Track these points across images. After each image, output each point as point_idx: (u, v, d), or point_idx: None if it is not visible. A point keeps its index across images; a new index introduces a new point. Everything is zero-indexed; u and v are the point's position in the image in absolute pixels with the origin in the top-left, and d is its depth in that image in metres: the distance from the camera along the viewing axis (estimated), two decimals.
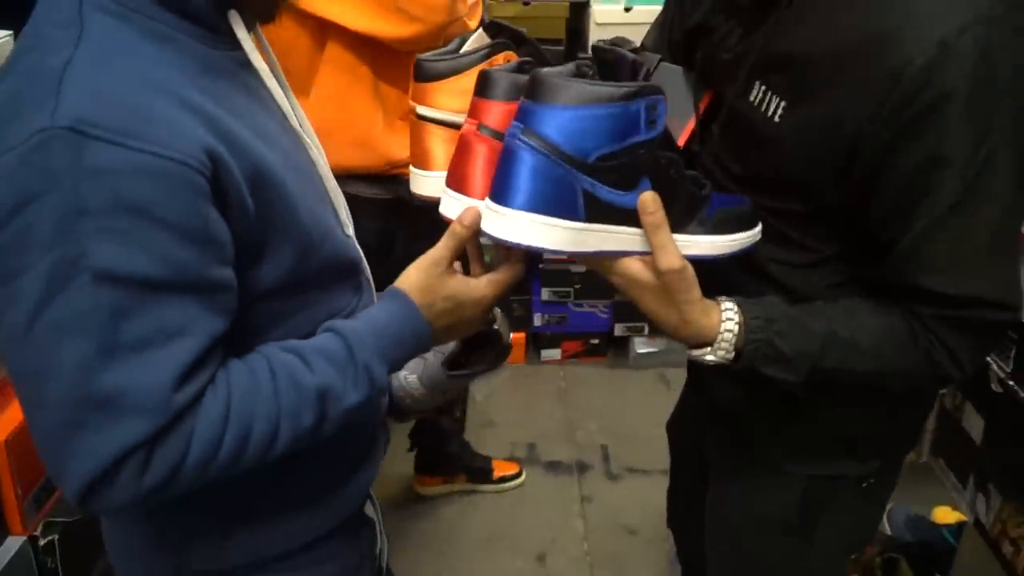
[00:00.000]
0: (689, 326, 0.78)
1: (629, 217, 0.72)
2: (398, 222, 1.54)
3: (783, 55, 0.81)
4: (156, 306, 0.61)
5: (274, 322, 0.75)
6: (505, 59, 0.82)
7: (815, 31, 0.79)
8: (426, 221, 0.90)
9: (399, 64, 1.42)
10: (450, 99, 0.81)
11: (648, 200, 0.72)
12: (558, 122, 0.66)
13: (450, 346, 0.93)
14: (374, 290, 0.88)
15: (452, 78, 0.81)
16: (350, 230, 0.85)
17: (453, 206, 0.76)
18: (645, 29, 2.56)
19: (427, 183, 0.84)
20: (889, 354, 0.82)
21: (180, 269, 0.61)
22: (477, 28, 0.85)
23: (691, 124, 0.93)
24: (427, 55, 0.83)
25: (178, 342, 0.62)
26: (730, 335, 0.79)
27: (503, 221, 0.69)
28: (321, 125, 1.51)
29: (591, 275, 2.51)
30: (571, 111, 0.66)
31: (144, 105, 0.61)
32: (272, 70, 0.77)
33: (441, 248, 0.76)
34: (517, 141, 0.67)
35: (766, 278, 0.88)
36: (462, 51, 0.83)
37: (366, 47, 1.41)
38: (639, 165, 0.70)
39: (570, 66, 0.71)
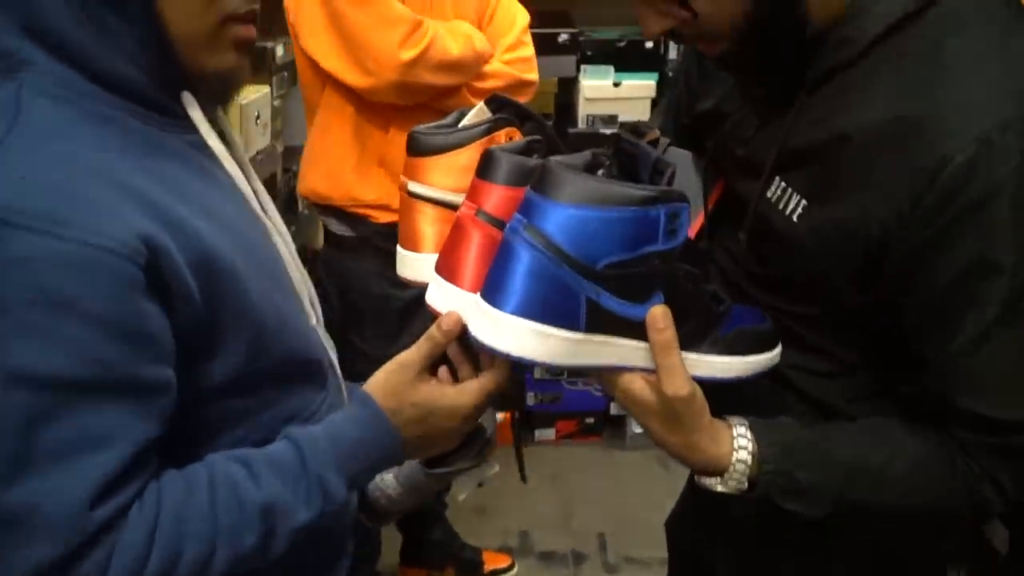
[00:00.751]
0: (696, 454, 0.70)
1: (635, 329, 0.64)
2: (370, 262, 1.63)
3: (804, 149, 0.74)
4: (77, 410, 0.55)
5: (227, 423, 0.68)
6: (507, 136, 0.76)
7: (840, 123, 0.71)
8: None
9: (381, 114, 1.55)
10: (444, 176, 0.75)
11: (659, 316, 0.64)
12: (565, 221, 0.59)
13: None
14: (343, 387, 0.80)
15: (447, 154, 0.75)
16: (315, 320, 0.78)
17: (440, 296, 0.69)
18: (634, 105, 2.56)
19: (414, 265, 0.77)
20: (924, 485, 0.73)
21: (106, 368, 0.56)
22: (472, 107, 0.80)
23: (700, 217, 0.87)
24: (422, 127, 0.77)
25: (100, 451, 0.56)
26: (743, 466, 0.71)
27: (493, 326, 0.61)
28: (307, 151, 1.71)
29: None
30: (582, 210, 0.59)
31: (74, 190, 0.57)
32: (232, 151, 0.72)
33: (414, 351, 0.69)
34: (518, 236, 0.60)
35: (786, 385, 0.80)
36: (460, 125, 0.77)
37: (354, 94, 1.52)
38: (653, 276, 0.63)
39: (586, 155, 0.65)
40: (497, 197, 0.67)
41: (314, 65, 1.53)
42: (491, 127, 0.76)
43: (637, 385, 0.67)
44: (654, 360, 0.66)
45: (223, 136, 0.73)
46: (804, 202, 0.73)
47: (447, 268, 0.69)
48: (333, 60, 1.48)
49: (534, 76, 1.68)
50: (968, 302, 0.67)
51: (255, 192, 0.74)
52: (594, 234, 0.59)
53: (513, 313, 0.60)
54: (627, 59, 2.35)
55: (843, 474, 0.72)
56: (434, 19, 1.50)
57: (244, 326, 0.65)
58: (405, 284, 0.79)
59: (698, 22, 0.71)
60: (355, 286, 1.66)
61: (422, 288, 0.73)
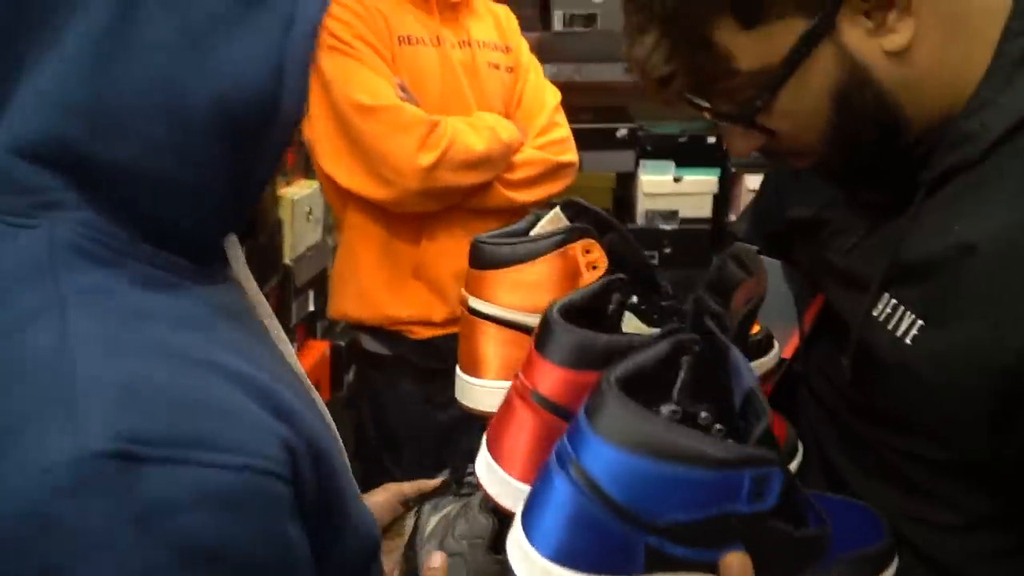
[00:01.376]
0: None
1: (705, 566, 0.52)
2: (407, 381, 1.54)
3: (920, 261, 0.63)
4: None
5: None
6: (584, 249, 0.67)
7: (963, 231, 0.61)
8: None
9: (410, 223, 1.47)
10: (510, 294, 0.67)
11: (733, 566, 0.51)
12: (615, 466, 0.47)
13: None
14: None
15: (514, 267, 0.66)
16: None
17: (487, 474, 0.59)
18: (695, 200, 2.48)
19: (475, 392, 0.67)
20: None
21: None
22: (554, 207, 0.71)
23: (795, 337, 0.76)
24: (486, 236, 0.68)
25: None
26: None
27: (530, 569, 0.50)
28: (336, 273, 1.67)
29: None
30: (636, 459, 0.47)
31: (192, 393, 0.42)
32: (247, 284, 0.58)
33: None
34: (560, 469, 0.49)
35: (899, 540, 0.65)
36: (532, 233, 0.69)
37: (378, 208, 1.45)
38: (729, 532, 0.50)
39: (664, 346, 0.53)
40: (554, 379, 0.56)
41: (334, 183, 1.46)
42: (565, 238, 0.67)
43: None
44: None
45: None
46: (920, 323, 0.62)
47: (495, 445, 0.59)
48: (351, 176, 1.41)
49: (571, 157, 1.58)
50: None
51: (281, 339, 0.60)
52: (652, 489, 0.48)
53: (551, 559, 0.49)
54: (688, 154, 2.29)
55: None
56: (454, 115, 1.44)
57: (342, 520, 0.52)
58: (446, 406, 0.70)
59: (784, 139, 0.63)
60: (391, 408, 1.56)
61: (464, 411, 0.64)
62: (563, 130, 1.59)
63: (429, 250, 1.46)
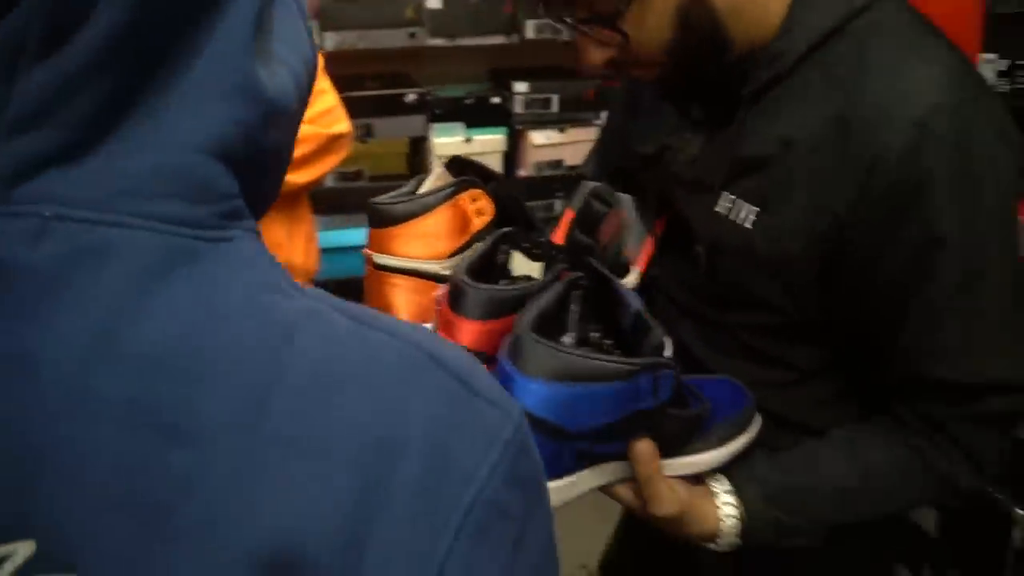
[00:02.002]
0: (686, 534, 0.75)
1: (621, 455, 0.68)
2: None
3: (752, 158, 0.77)
4: None
5: None
6: (471, 198, 0.75)
7: (781, 131, 0.75)
8: None
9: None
10: (412, 245, 0.74)
11: (642, 451, 0.67)
12: (544, 398, 0.59)
13: None
14: None
15: (412, 221, 0.74)
16: None
17: None
18: (486, 159, 2.60)
19: None
20: (901, 488, 0.79)
21: None
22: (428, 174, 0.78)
23: (648, 248, 0.89)
24: (381, 198, 0.75)
25: None
26: (732, 529, 0.75)
27: None
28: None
29: None
30: (559, 388, 0.59)
31: None
32: None
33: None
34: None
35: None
36: (419, 191, 0.76)
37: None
38: (638, 426, 0.65)
39: (558, 288, 0.65)
40: (473, 332, 0.65)
41: None
42: (454, 191, 0.75)
43: (630, 496, 0.72)
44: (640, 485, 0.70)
45: None
46: (757, 209, 0.77)
47: None
48: None
49: (343, 127, 1.49)
50: (924, 277, 0.71)
51: None
52: (575, 407, 0.60)
53: None
54: (475, 115, 2.39)
55: (829, 506, 0.78)
56: None
57: None
58: None
59: (631, 48, 0.75)
60: None
61: None
62: (330, 97, 1.49)
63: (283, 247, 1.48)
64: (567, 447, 0.62)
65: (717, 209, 0.79)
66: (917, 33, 0.75)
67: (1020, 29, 0.89)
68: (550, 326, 0.63)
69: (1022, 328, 0.75)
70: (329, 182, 2.38)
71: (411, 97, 2.33)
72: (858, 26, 0.74)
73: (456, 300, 0.65)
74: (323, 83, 1.46)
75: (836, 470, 0.78)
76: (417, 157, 2.45)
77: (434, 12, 2.27)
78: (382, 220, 0.73)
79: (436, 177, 0.76)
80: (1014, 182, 0.72)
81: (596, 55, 0.77)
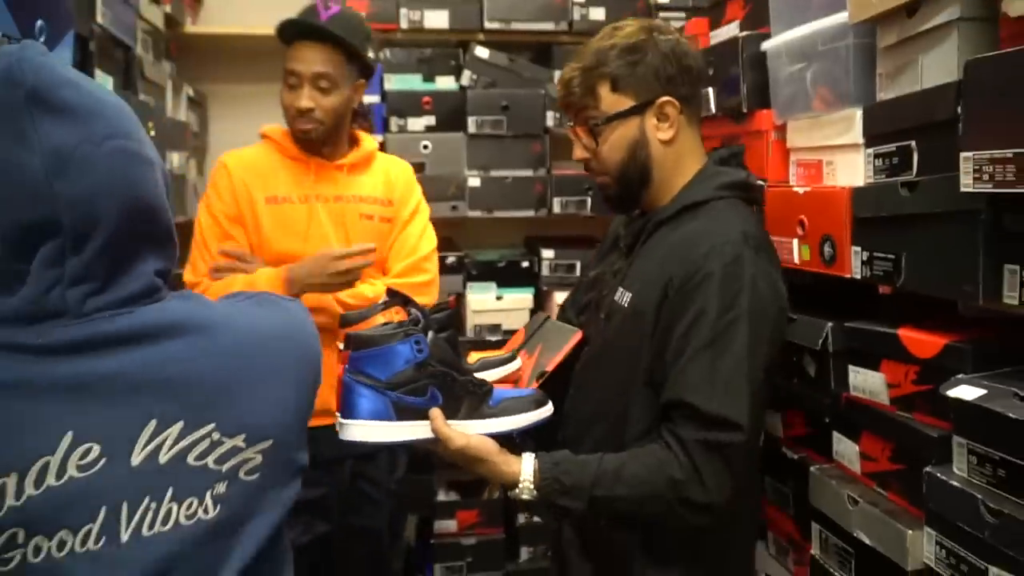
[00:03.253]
0: (495, 476, 1.17)
1: (424, 414, 1.15)
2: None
3: (636, 271, 1.30)
4: None
5: None
6: (396, 311, 1.23)
7: (656, 249, 1.28)
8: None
9: None
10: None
11: (432, 412, 1.15)
12: (364, 361, 1.12)
13: None
14: None
15: (365, 322, 1.20)
16: None
17: (346, 430, 1.17)
18: (515, 315, 2.87)
19: (354, 430, 1.17)
20: (644, 478, 1.14)
21: None
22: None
23: (559, 356, 1.33)
24: (350, 312, 1.24)
25: None
26: (528, 481, 1.16)
27: (347, 428, 1.14)
28: None
29: (483, 547, 2.58)
30: (368, 353, 1.11)
31: None
32: None
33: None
34: (348, 377, 1.13)
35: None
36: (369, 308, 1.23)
37: None
38: (422, 378, 1.13)
39: (386, 327, 1.19)
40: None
41: None
42: (383, 306, 1.21)
43: (441, 448, 1.16)
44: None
45: None
46: (629, 294, 1.27)
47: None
48: None
49: (426, 301, 1.80)
50: (692, 334, 1.16)
51: None
52: (378, 363, 1.11)
53: (349, 418, 1.13)
54: (507, 276, 2.69)
55: (592, 475, 1.15)
56: (315, 251, 1.75)
57: None
58: None
59: (598, 155, 1.30)
60: None
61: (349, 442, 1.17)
62: (426, 276, 1.89)
63: None
64: (384, 397, 1.12)
65: (615, 297, 1.30)
66: (735, 214, 1.26)
67: (876, 230, 1.21)
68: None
69: (742, 386, 1.14)
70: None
71: (451, 259, 2.66)
72: (708, 205, 1.28)
73: (346, 343, 1.17)
74: (427, 264, 1.94)
75: (605, 457, 1.18)
76: (455, 311, 2.75)
77: (473, 190, 2.64)
78: (344, 322, 1.23)
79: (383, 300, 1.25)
80: (766, 311, 1.19)
81: (579, 152, 1.33)
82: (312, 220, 1.79)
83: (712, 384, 1.13)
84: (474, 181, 2.63)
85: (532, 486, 1.16)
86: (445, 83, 2.65)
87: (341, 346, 1.16)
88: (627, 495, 1.15)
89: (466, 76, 2.63)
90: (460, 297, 2.71)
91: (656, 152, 1.29)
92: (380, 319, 1.30)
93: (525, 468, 1.17)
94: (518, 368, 1.36)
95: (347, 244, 1.77)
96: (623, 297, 1.28)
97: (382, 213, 1.87)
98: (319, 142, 1.79)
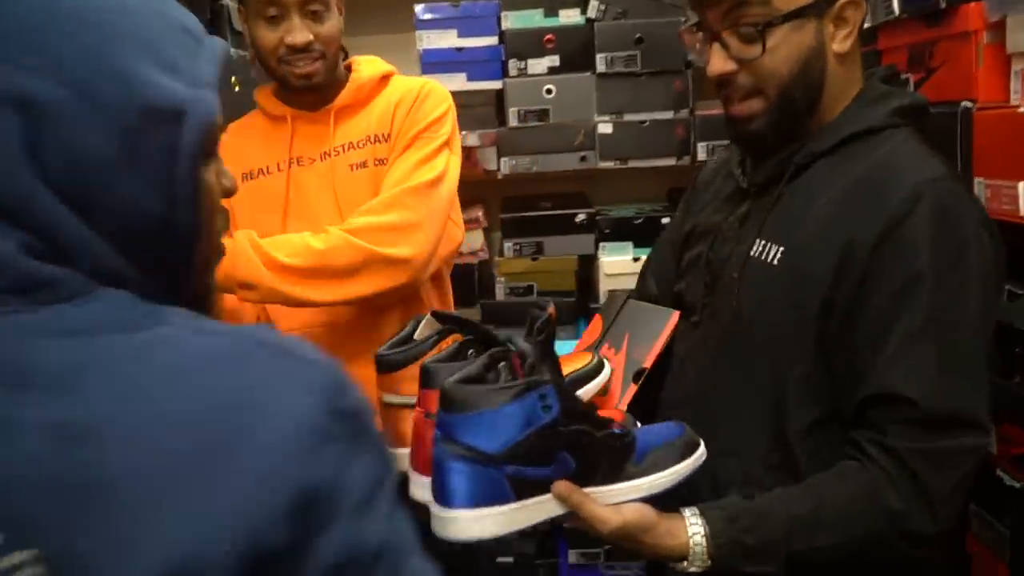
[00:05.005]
0: (660, 550, 0.89)
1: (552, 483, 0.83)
2: None
3: (785, 218, 0.99)
4: None
5: None
6: (453, 340, 0.89)
7: (816, 190, 0.97)
8: None
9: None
10: (412, 384, 0.87)
11: (560, 490, 0.82)
12: (468, 428, 0.77)
13: None
14: None
15: (410, 367, 0.88)
16: None
17: (419, 487, 0.85)
18: None
19: (405, 459, 0.90)
20: (852, 514, 0.88)
21: None
22: (424, 316, 0.93)
23: (657, 346, 1.07)
24: (383, 349, 0.90)
25: None
26: (700, 548, 0.88)
27: (447, 522, 0.79)
28: None
29: None
30: (476, 417, 0.76)
31: None
32: None
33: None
34: (440, 449, 0.78)
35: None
36: (416, 337, 0.91)
37: None
38: (550, 443, 0.80)
39: (484, 359, 0.81)
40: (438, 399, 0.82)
41: None
42: (438, 339, 0.90)
43: (589, 527, 0.85)
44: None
45: None
46: (783, 248, 0.97)
47: (418, 463, 0.86)
48: None
49: (399, 252, 1.28)
50: (903, 307, 0.89)
51: None
52: (491, 429, 0.76)
53: (460, 507, 0.78)
54: (644, 234, 2.40)
55: (783, 530, 0.88)
56: (305, 223, 1.34)
57: None
58: None
59: (756, 67, 0.97)
60: None
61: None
62: (400, 214, 1.29)
63: None
64: (497, 471, 0.78)
65: (751, 254, 1.00)
66: (925, 148, 0.97)
67: None
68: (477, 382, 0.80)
69: (977, 369, 0.89)
70: (500, 295, 2.49)
71: (581, 217, 2.40)
72: (881, 136, 0.98)
73: (425, 380, 0.84)
74: (408, 200, 1.31)
75: (791, 498, 0.90)
76: (586, 274, 2.50)
77: (605, 137, 2.35)
78: (388, 367, 0.88)
79: (426, 324, 0.91)
80: (993, 275, 0.92)
81: (722, 64, 0.98)
82: (293, 190, 1.40)
83: (938, 371, 0.87)
84: (605, 127, 2.36)
85: (705, 554, 0.88)
86: (569, 17, 2.38)
87: (387, 398, 0.89)
88: (834, 543, 0.89)
89: (593, 7, 2.34)
90: (591, 259, 2.45)
91: (831, 68, 0.98)
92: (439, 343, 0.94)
93: (693, 532, 0.88)
94: (610, 377, 1.06)
95: (337, 211, 1.36)
96: (767, 251, 0.99)
97: (375, 154, 1.39)
98: (324, 86, 1.39)
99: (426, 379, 0.83)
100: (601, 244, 2.42)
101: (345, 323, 1.37)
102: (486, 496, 0.77)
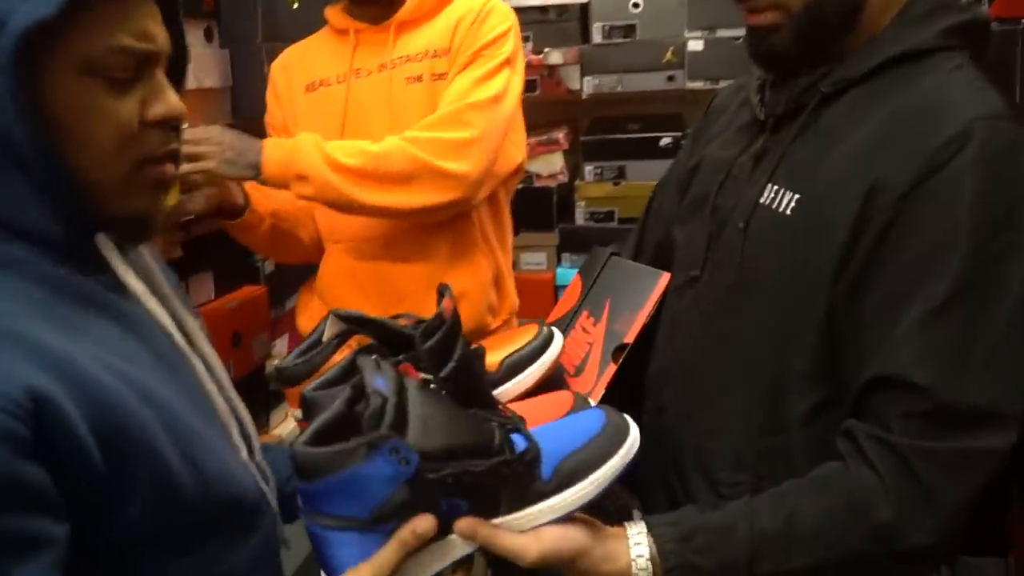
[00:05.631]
0: (597, 573, 0.74)
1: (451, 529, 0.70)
2: None
3: (803, 158, 0.82)
4: None
5: (159, 571, 0.65)
6: (358, 342, 0.78)
7: (844, 126, 0.80)
8: None
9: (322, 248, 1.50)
10: None
11: (462, 528, 0.70)
12: (330, 496, 0.65)
13: None
14: (278, 521, 0.79)
15: (316, 375, 0.78)
16: (245, 453, 0.76)
17: None
18: None
19: None
20: (831, 530, 0.74)
21: None
22: (327, 316, 0.80)
23: (641, 317, 0.92)
24: (284, 362, 0.79)
25: None
26: (645, 573, 0.74)
27: None
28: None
29: None
30: (335, 482, 0.64)
31: None
32: (158, 289, 0.72)
33: (388, 559, 0.66)
34: (311, 523, 0.67)
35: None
36: (321, 340, 0.79)
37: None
38: (426, 493, 0.67)
39: (345, 392, 0.68)
40: None
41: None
42: (339, 342, 0.78)
43: (512, 559, 0.72)
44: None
45: (149, 275, 0.73)
46: (797, 196, 0.80)
47: None
48: None
49: (454, 166, 1.26)
50: (929, 272, 0.72)
51: (183, 326, 0.74)
52: (352, 495, 0.65)
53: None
54: None
55: (746, 550, 0.74)
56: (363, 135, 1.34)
57: (151, 475, 0.63)
58: None
59: None
60: None
61: None
62: (466, 131, 1.27)
63: (323, 270, 1.48)
64: (375, 536, 0.66)
65: (761, 200, 0.84)
66: (979, 79, 0.79)
67: None
68: (338, 430, 0.66)
69: (1014, 355, 0.72)
70: (579, 220, 2.43)
71: (666, 141, 2.29)
72: (931, 61, 0.80)
73: (307, 411, 0.73)
74: (470, 116, 1.29)
75: (759, 511, 0.75)
76: None
77: (694, 55, 2.22)
78: (287, 381, 0.77)
79: (331, 324, 0.78)
80: None
81: None
82: (352, 101, 1.40)
83: (960, 355, 0.71)
84: (695, 44, 2.22)
85: None
86: None
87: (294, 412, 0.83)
88: (808, 564, 0.74)
89: None
90: None
91: None
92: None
93: (637, 555, 0.74)
94: (560, 348, 0.93)
95: (391, 123, 1.34)
96: (780, 198, 0.82)
97: (434, 68, 1.36)
98: (387, 1, 1.37)
99: (306, 412, 0.73)
100: None
101: (393, 239, 1.38)
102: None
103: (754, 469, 0.82)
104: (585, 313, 0.99)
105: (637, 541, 0.75)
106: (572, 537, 0.73)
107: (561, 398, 0.87)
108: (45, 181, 0.61)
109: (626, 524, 0.76)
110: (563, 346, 0.94)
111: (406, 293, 1.38)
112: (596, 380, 0.92)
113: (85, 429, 0.58)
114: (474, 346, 0.86)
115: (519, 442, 0.71)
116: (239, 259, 1.75)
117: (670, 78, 2.24)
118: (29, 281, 0.62)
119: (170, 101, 0.66)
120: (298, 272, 1.83)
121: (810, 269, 0.77)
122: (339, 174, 1.25)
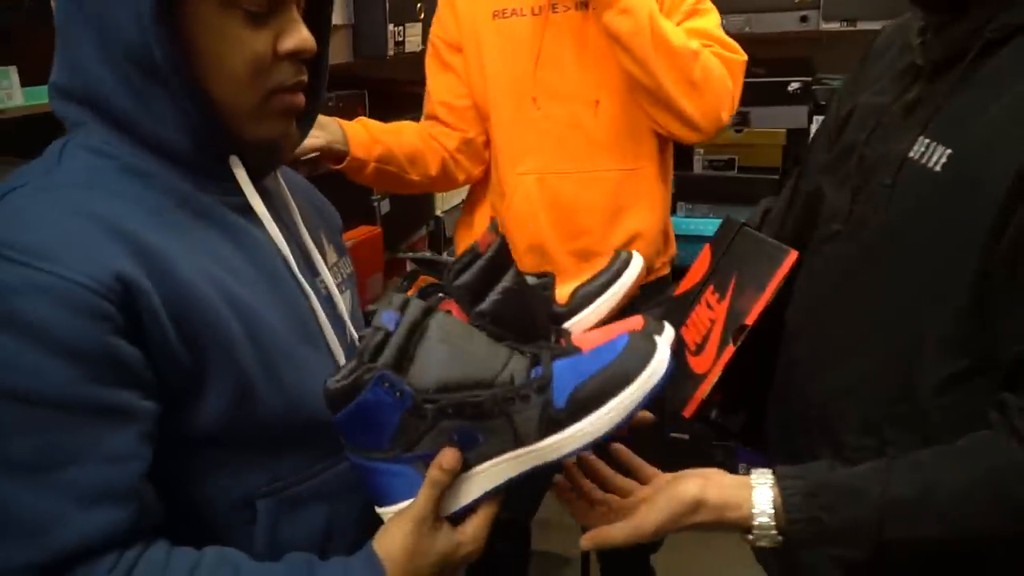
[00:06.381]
0: (721, 525, 0.75)
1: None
2: None
3: (960, 110, 0.76)
4: (43, 426, 0.59)
5: (209, 471, 0.70)
6: (423, 281, 0.80)
7: (1011, 81, 0.73)
8: None
9: (497, 192, 1.52)
10: None
11: (587, 546, 0.77)
12: (350, 430, 0.68)
13: None
14: None
15: None
16: None
17: None
18: None
19: None
20: (974, 502, 0.70)
21: (70, 389, 0.59)
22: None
23: (764, 298, 0.88)
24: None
25: (71, 466, 0.59)
26: (767, 521, 0.74)
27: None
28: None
29: None
30: (347, 412, 0.66)
31: (63, 230, 0.61)
32: (283, 215, 0.76)
33: (423, 502, 0.68)
34: (348, 455, 0.71)
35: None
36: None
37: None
38: (432, 426, 0.67)
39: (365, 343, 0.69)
40: None
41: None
42: (408, 284, 0.82)
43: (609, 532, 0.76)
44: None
45: (280, 203, 0.76)
46: (950, 151, 0.75)
47: None
48: None
49: (725, 110, 1.37)
50: None
51: (307, 252, 0.77)
52: (363, 427, 0.67)
53: (390, 508, 0.71)
54: None
55: (876, 513, 0.72)
56: (548, 85, 1.41)
57: (228, 379, 0.67)
58: None
59: None
60: None
61: None
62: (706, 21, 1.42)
63: (509, 208, 1.48)
64: (401, 467, 0.68)
65: (911, 155, 0.79)
66: None
67: None
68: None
69: None
70: (697, 169, 2.35)
71: (795, 86, 2.17)
72: None
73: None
74: (703, 4, 1.44)
75: (895, 477, 0.72)
76: (794, 151, 2.28)
77: None
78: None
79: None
80: None
81: None
82: (548, 36, 1.39)
83: None
84: None
85: (775, 530, 0.74)
86: None
87: None
88: (941, 534, 0.71)
89: None
90: (803, 134, 2.22)
91: None
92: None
93: (758, 502, 0.74)
94: (636, 275, 0.90)
95: (582, 63, 1.38)
96: (931, 153, 0.76)
97: None
98: None
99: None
100: (815, 117, 2.19)
101: (582, 174, 1.42)
102: (397, 492, 0.69)
103: (880, 435, 0.78)
104: (711, 288, 0.96)
105: (761, 491, 0.74)
106: (682, 493, 0.76)
107: (632, 323, 0.85)
108: (183, 100, 0.65)
109: (753, 471, 0.77)
110: (675, 299, 0.93)
111: (586, 228, 1.42)
112: (713, 362, 0.89)
113: (167, 317, 0.63)
114: (543, 277, 0.88)
115: (538, 373, 0.69)
116: (359, 199, 1.79)
117: (803, 19, 2.11)
118: (155, 190, 0.67)
119: (302, 35, 0.68)
120: (413, 216, 1.85)
121: (960, 231, 0.72)
122: (656, 31, 1.28)
